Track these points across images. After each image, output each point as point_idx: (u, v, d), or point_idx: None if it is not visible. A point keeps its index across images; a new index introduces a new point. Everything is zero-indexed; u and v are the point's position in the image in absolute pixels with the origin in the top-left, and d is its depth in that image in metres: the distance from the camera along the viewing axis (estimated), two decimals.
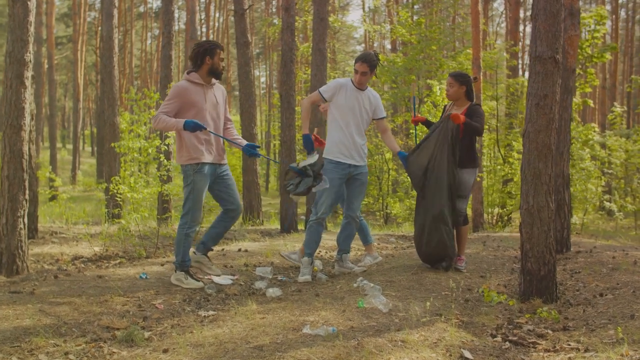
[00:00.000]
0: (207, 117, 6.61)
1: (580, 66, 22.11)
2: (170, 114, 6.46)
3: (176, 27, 64.10)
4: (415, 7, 28.64)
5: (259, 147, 7.00)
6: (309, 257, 7.36)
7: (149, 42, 59.99)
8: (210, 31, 50.41)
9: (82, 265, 7.87)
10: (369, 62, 7.17)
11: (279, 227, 14.08)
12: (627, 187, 24.14)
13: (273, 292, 6.47)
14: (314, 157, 6.84)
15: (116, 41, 15.42)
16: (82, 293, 6.13)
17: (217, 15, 53.79)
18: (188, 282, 6.65)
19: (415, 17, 27.11)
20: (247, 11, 16.01)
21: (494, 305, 6.01)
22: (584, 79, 22.63)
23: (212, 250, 7.22)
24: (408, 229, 14.40)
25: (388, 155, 23.59)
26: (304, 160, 6.91)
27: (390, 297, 5.94)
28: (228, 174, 6.91)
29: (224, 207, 6.93)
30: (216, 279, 7.04)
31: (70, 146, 54.87)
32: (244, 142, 6.93)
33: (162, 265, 7.77)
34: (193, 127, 6.32)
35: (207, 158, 6.62)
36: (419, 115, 8.53)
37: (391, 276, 6.97)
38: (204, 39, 45.31)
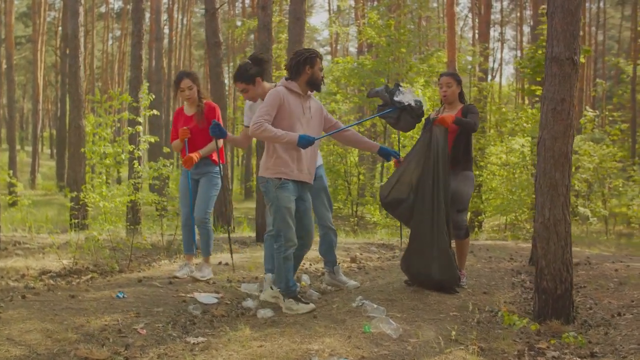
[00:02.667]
0: (300, 129, 6.06)
1: None
2: (270, 120, 5.91)
3: None
4: (382, 9, 28.21)
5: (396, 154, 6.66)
6: (271, 274, 6.73)
7: (110, 42, 58.92)
8: (174, 32, 49.58)
9: (51, 282, 7.22)
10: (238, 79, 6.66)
11: (252, 234, 13.51)
12: (598, 191, 23.97)
13: (265, 313, 5.93)
14: (412, 92, 6.44)
15: (82, 40, 14.75)
16: (55, 316, 5.51)
17: (180, 16, 52.95)
18: (299, 308, 6.00)
19: (384, 19, 26.70)
20: (219, 10, 15.41)
21: (508, 327, 5.53)
22: None
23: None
24: (383, 236, 13.92)
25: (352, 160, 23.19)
26: (402, 94, 6.40)
27: (396, 319, 5.42)
28: (309, 196, 6.40)
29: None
30: (200, 298, 6.48)
31: (28, 148, 53.56)
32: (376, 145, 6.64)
33: (140, 281, 7.16)
34: (307, 143, 5.90)
35: (296, 175, 6.09)
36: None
37: (390, 294, 6.44)
38: (166, 40, 44.53)
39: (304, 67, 6.06)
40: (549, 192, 5.62)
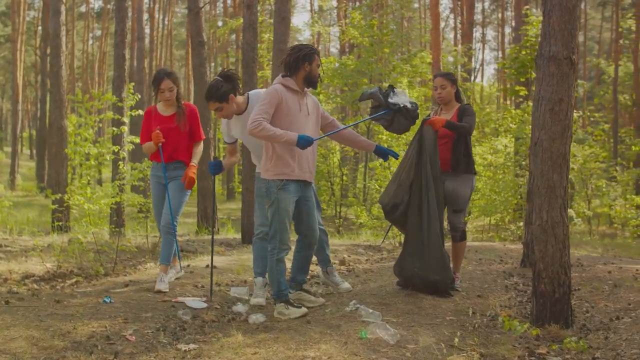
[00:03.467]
0: (298, 127, 5.96)
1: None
2: (269, 118, 5.80)
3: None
4: (365, 9, 28.08)
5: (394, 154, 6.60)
6: (261, 278, 6.67)
7: (90, 42, 58.42)
8: (155, 32, 49.20)
9: (35, 286, 7.03)
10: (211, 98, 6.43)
11: (236, 236, 13.34)
12: (582, 192, 23.98)
13: (256, 318, 5.79)
14: (406, 94, 6.33)
15: (64, 39, 14.49)
16: (40, 323, 5.33)
17: (161, 16, 52.56)
18: (290, 312, 5.87)
19: (367, 19, 26.57)
20: (202, 9, 15.24)
21: (507, 332, 5.42)
22: None
23: (305, 282, 6.56)
24: (368, 237, 13.78)
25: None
26: (396, 96, 6.27)
27: (392, 324, 5.28)
28: (312, 195, 6.28)
29: (298, 231, 6.32)
30: (189, 302, 6.33)
31: (8, 149, 52.92)
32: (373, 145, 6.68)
33: (127, 285, 6.99)
34: (306, 143, 5.78)
35: (297, 175, 5.98)
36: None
37: (383, 297, 6.30)
38: (147, 40, 44.17)
39: (302, 63, 5.95)
40: (546, 193, 5.51)
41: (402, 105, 6.18)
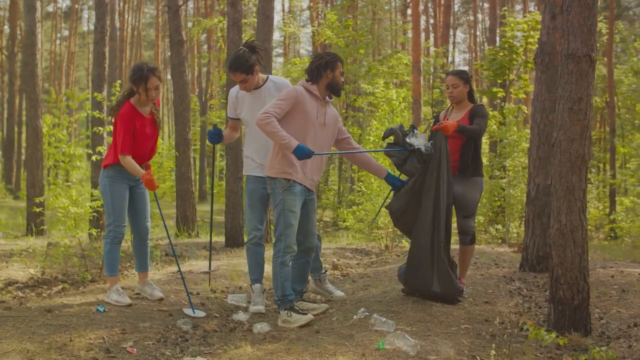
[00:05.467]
0: (310, 134, 5.78)
1: (515, 72, 21.83)
2: (280, 115, 5.59)
3: (85, 28, 61.82)
4: (340, 9, 27.87)
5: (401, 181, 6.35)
6: (259, 284, 6.39)
7: (58, 42, 57.51)
8: (124, 32, 48.57)
9: (20, 294, 6.67)
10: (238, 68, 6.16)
11: (218, 239, 13.01)
12: None
13: (261, 327, 5.51)
14: (425, 139, 6.12)
15: (39, 36, 14.05)
16: (33, 334, 5.00)
17: (130, 17, 51.90)
18: (295, 320, 5.59)
19: (342, 20, 26.37)
20: (182, 7, 14.91)
21: (526, 341, 5.19)
22: (518, 85, 22.35)
23: (305, 292, 6.32)
24: (350, 240, 13.54)
25: None
26: (414, 137, 6.09)
27: (407, 334, 5.04)
28: (314, 198, 6.08)
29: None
30: (187, 311, 6.01)
31: None
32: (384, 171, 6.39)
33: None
34: (303, 155, 5.56)
35: (300, 179, 5.76)
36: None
37: (390, 304, 6.05)
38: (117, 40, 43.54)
39: (324, 70, 5.83)
40: (565, 196, 5.30)
41: (417, 147, 6.01)
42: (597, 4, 5.37)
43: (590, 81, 5.32)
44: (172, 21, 14.81)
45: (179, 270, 6.67)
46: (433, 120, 6.84)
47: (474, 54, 47.37)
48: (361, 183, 13.67)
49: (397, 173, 6.52)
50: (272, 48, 12.29)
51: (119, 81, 9.01)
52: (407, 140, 6.06)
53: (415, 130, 6.14)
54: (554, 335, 5.06)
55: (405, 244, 12.29)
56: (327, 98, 5.95)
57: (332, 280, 7.84)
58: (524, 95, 22.70)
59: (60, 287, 7.10)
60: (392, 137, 6.23)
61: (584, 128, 5.30)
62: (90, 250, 8.24)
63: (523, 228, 21.11)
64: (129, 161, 6.05)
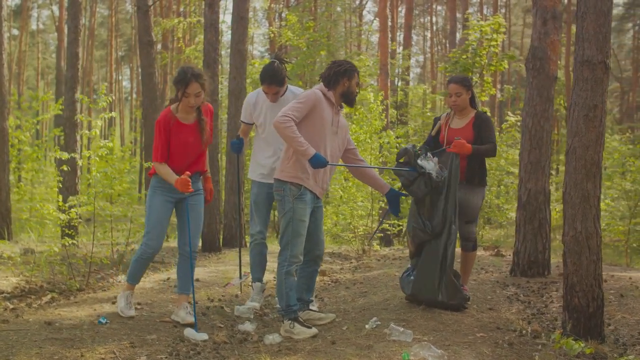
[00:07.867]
0: (325, 141, 5.67)
1: (477, 74, 21.94)
2: (298, 119, 5.48)
3: (35, 26, 60.57)
4: (302, 10, 27.75)
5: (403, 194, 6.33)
6: (259, 283, 6.47)
7: (6, 42, 56.22)
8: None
9: (9, 304, 6.41)
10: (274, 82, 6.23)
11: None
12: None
13: (273, 339, 5.38)
14: (435, 163, 6.04)
15: (5, 35, 13.63)
16: (41, 350, 4.80)
17: (83, 18, 51.02)
18: (299, 332, 5.45)
19: (303, 21, 26.25)
20: (152, 7, 14.63)
21: (542, 348, 5.16)
22: (481, 88, 22.48)
23: (312, 302, 6.14)
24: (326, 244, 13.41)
25: None
26: (426, 160, 6.01)
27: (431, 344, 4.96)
28: (321, 207, 5.94)
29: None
30: (189, 332, 5.75)
31: None
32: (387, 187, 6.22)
33: (113, 303, 6.41)
34: (319, 164, 5.45)
35: (311, 185, 5.62)
36: None
37: (397, 312, 5.98)
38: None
39: (342, 78, 5.72)
40: (580, 204, 5.29)
41: (427, 171, 5.94)
42: (612, 11, 5.36)
43: (605, 88, 5.31)
44: (141, 22, 14.49)
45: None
46: (433, 122, 6.78)
47: (430, 55, 47.71)
48: (337, 187, 13.56)
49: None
50: (246, 50, 12.14)
51: (105, 84, 8.80)
52: (419, 162, 5.98)
53: (428, 154, 6.06)
54: (582, 344, 5.03)
55: (377, 247, 12.26)
56: (339, 107, 5.84)
57: (326, 287, 7.75)
58: (486, 98, 22.84)
59: (49, 296, 6.83)
60: (404, 158, 6.18)
61: (599, 135, 5.29)
62: (79, 259, 7.98)
63: (487, 229, 21.32)
64: (162, 168, 5.69)
